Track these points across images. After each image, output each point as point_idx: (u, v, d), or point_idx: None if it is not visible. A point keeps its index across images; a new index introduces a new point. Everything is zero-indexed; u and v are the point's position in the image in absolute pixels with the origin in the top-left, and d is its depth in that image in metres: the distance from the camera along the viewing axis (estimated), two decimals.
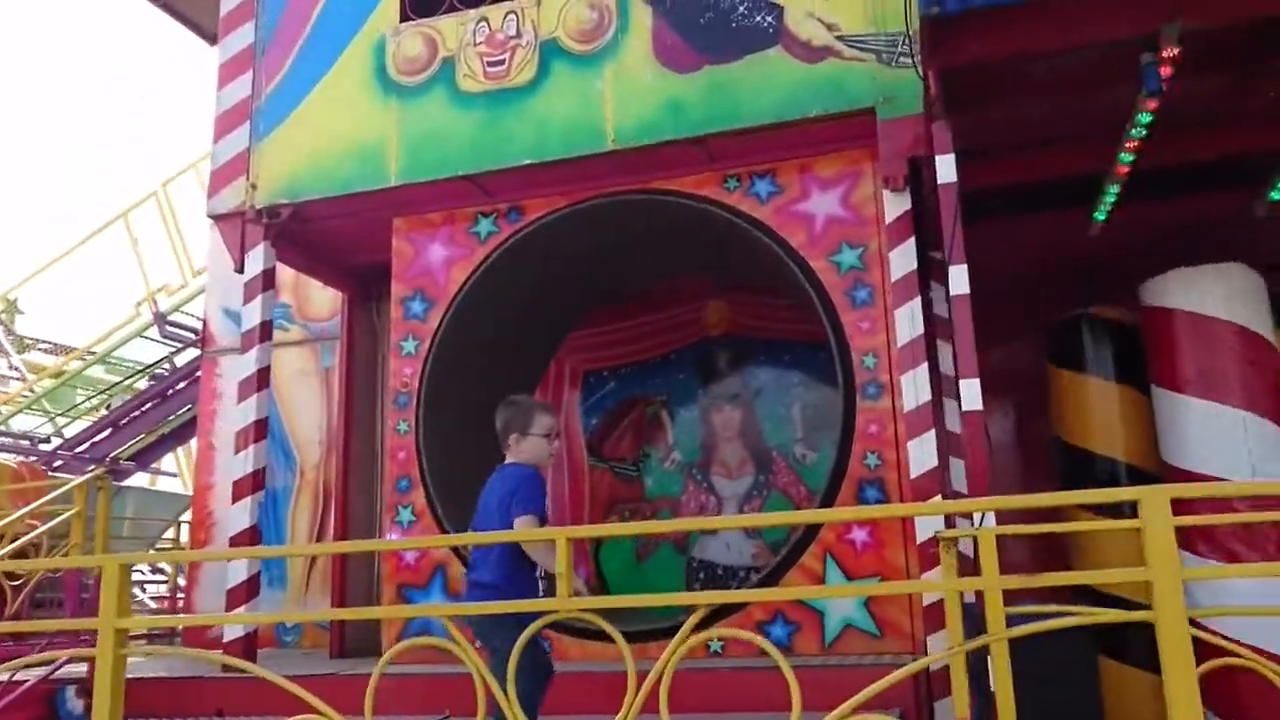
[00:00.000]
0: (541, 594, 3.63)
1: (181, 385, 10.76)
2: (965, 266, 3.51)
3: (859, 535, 5.03)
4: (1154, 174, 4.82)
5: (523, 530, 3.52)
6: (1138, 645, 5.19)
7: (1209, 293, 4.81)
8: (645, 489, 7.78)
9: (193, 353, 10.55)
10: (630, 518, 7.72)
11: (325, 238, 6.66)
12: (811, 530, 5.11)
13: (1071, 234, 5.45)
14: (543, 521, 3.63)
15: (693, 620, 2.54)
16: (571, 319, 7.36)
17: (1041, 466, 6.57)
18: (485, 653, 3.33)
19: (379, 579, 6.86)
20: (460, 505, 5.83)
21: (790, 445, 7.55)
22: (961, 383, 3.43)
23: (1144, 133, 4.18)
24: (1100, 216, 5.08)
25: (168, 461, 13.49)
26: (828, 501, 5.11)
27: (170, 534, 11.20)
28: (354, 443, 7.11)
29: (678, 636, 2.57)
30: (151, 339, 11.21)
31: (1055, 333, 5.83)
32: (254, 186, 6.20)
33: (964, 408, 3.42)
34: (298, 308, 9.04)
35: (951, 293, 3.52)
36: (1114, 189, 4.85)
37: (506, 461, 3.79)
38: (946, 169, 3.65)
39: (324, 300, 8.93)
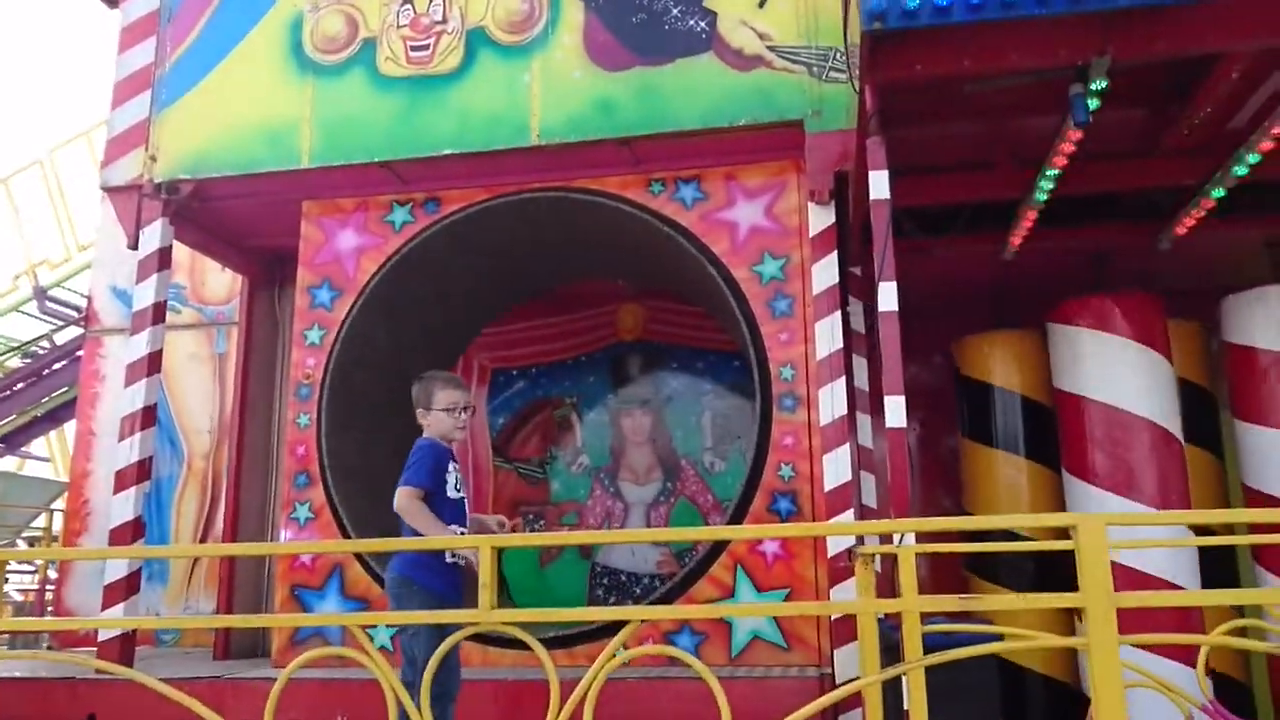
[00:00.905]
0: (457, 577, 3.57)
1: (59, 365, 10.16)
2: (895, 283, 3.51)
3: (770, 547, 5.01)
4: (1068, 203, 4.95)
5: (413, 507, 3.51)
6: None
7: None
8: (551, 492, 7.66)
9: (74, 331, 9.97)
10: (535, 521, 7.59)
11: (228, 218, 6.33)
12: (722, 541, 5.07)
13: (984, 258, 5.55)
14: (428, 495, 3.58)
15: (623, 635, 2.44)
16: (483, 315, 7.18)
17: (947, 477, 6.72)
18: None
19: (270, 577, 6.56)
20: (362, 503, 5.62)
21: (699, 453, 7.54)
22: (887, 399, 3.42)
23: (1064, 162, 4.26)
24: (1013, 242, 5.18)
25: (39, 445, 12.74)
26: (740, 511, 5.08)
27: (41, 522, 10.55)
28: (248, 434, 6.79)
29: (605, 652, 2.47)
30: (29, 314, 10.55)
31: (963, 350, 5.98)
32: (153, 159, 5.85)
33: (888, 424, 3.41)
34: (192, 289, 8.61)
35: (881, 308, 3.51)
36: (1030, 215, 4.95)
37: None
38: (880, 185, 3.64)
39: (221, 283, 8.53)
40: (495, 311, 7.27)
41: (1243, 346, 5.42)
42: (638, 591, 7.39)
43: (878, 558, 3.76)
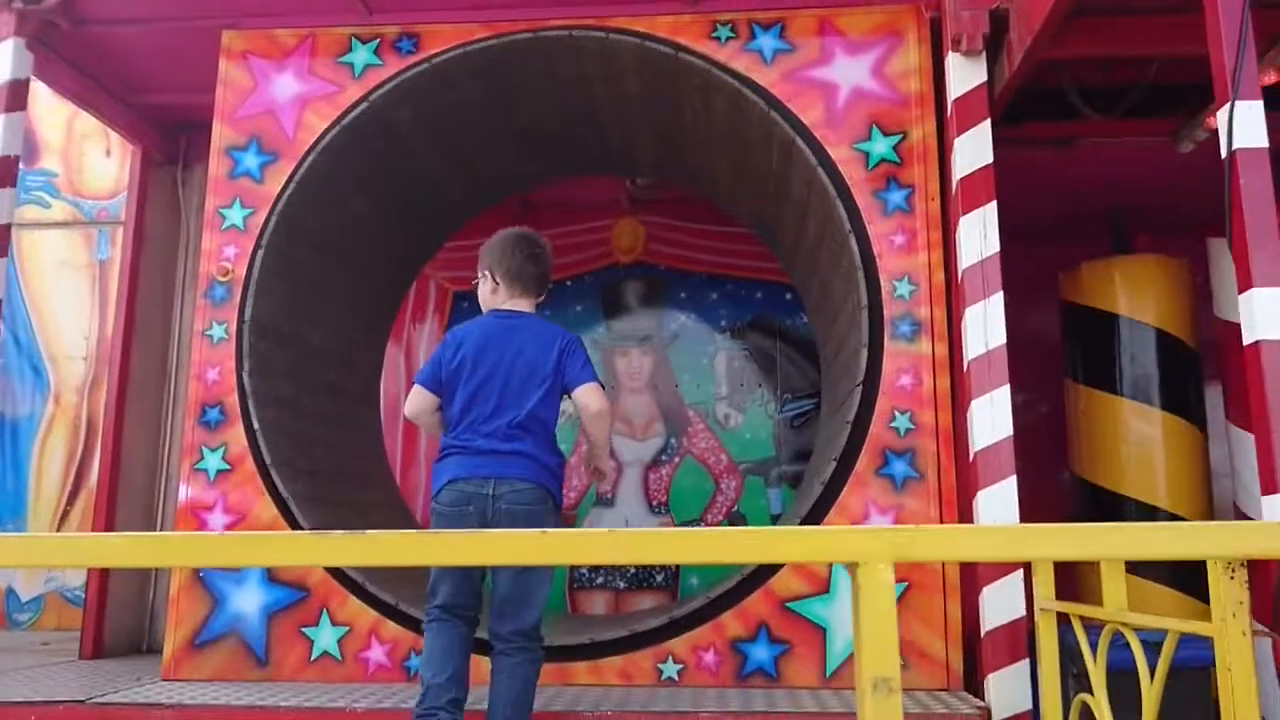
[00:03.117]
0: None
1: None
2: (1261, 104, 2.14)
3: (879, 522, 3.64)
4: None
5: (607, 408, 3.00)
6: None
7: None
8: None
9: None
10: None
11: (113, 54, 4.61)
12: (815, 516, 3.67)
13: (1142, 156, 4.26)
14: None
15: None
16: (451, 220, 5.57)
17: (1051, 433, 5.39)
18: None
19: None
20: (302, 449, 4.06)
21: (711, 403, 6.13)
22: (1255, 295, 2.06)
23: None
24: (1210, 121, 3.88)
25: None
26: (836, 479, 3.68)
27: None
28: (136, 357, 5.08)
29: None
30: None
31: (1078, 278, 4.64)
32: None
33: (1258, 335, 2.06)
34: (66, 178, 6.78)
35: (1240, 144, 2.13)
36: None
37: (525, 311, 3.09)
38: None
39: (106, 172, 6.73)
40: (462, 216, 5.67)
41: None
42: (631, 573, 5.97)
43: None
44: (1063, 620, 3.00)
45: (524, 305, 3.09)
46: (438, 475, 2.95)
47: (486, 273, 3.14)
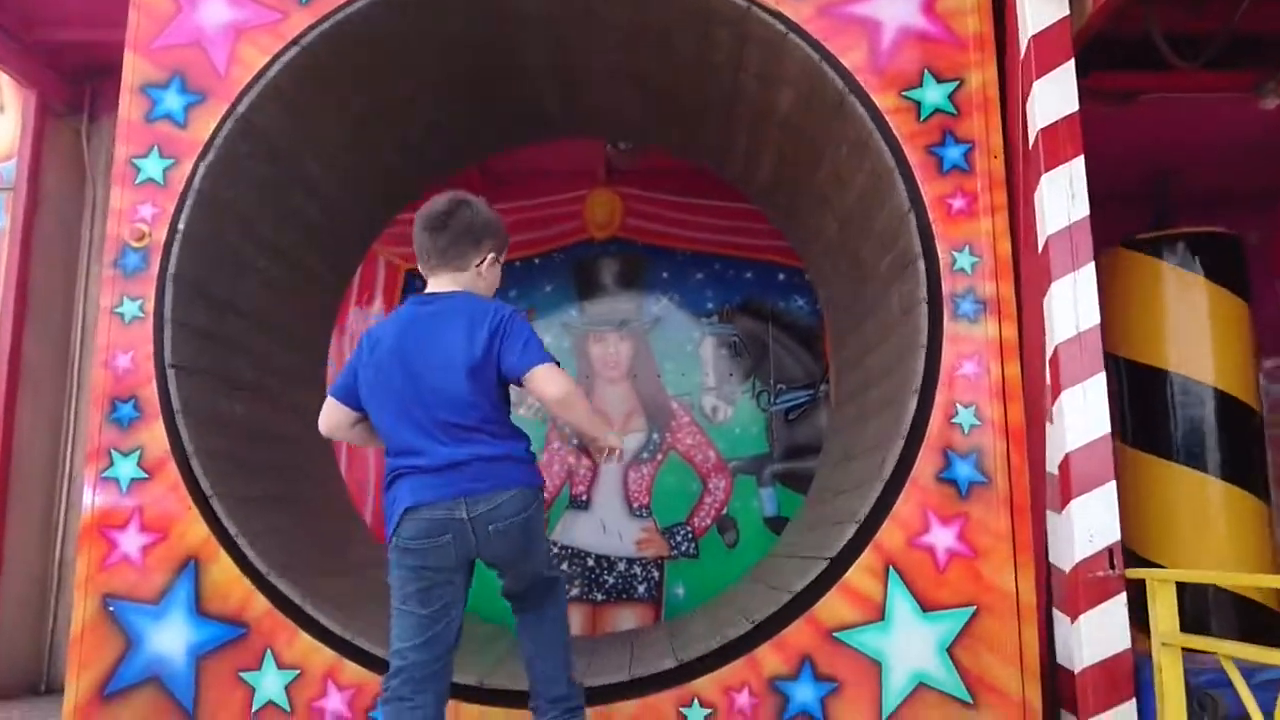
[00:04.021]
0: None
1: None
2: None
3: (943, 538, 3.07)
4: None
5: (581, 395, 2.54)
6: None
7: None
8: None
9: None
10: None
11: None
12: (865, 529, 3.08)
13: (1220, 111, 3.77)
14: None
15: None
16: (402, 188, 4.84)
17: None
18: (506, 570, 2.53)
19: (61, 576, 4.14)
20: (237, 452, 3.35)
21: (697, 394, 5.53)
22: None
23: None
24: None
25: None
26: (892, 487, 3.09)
27: None
28: (30, 341, 4.26)
29: None
30: None
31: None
32: None
33: None
34: None
35: None
36: None
37: (448, 290, 2.54)
38: None
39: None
40: (419, 185, 4.95)
41: None
42: (610, 583, 5.35)
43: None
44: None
45: (444, 284, 2.54)
46: (392, 505, 2.42)
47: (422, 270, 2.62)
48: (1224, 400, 3.96)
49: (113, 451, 3.20)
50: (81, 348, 4.42)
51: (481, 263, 2.54)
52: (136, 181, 3.36)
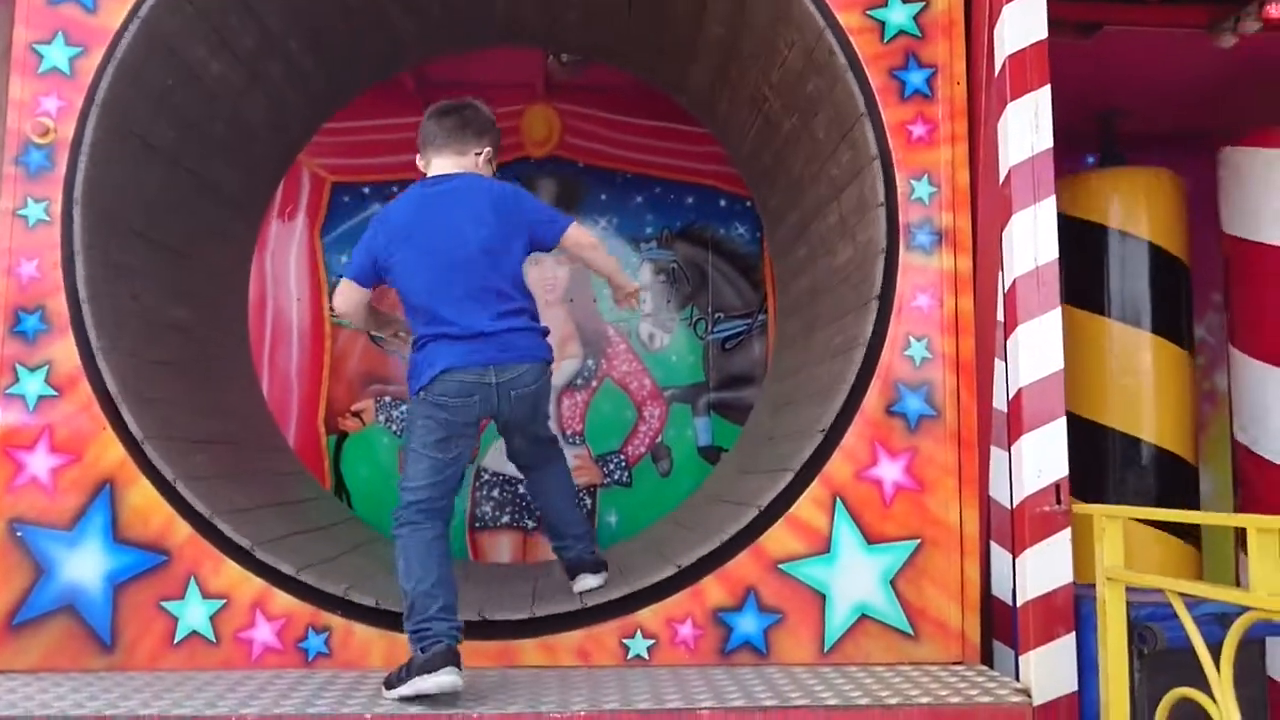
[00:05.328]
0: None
1: None
2: None
3: (889, 472, 3.05)
4: None
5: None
6: None
7: None
8: None
9: None
10: (392, 406, 5.23)
11: None
12: (814, 461, 3.04)
13: (1175, 49, 3.74)
14: None
15: None
16: (325, 97, 4.55)
17: None
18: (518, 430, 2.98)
19: None
20: (152, 366, 3.15)
21: (634, 322, 5.42)
22: None
23: None
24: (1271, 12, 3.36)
25: None
26: (842, 418, 3.05)
27: None
28: None
29: None
30: None
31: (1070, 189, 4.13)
32: None
33: None
34: None
35: None
36: None
37: (455, 172, 2.86)
38: None
39: None
40: (346, 94, 4.67)
41: None
42: (539, 509, 5.27)
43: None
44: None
45: (448, 167, 2.88)
46: (424, 364, 2.75)
47: (420, 163, 2.97)
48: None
49: (17, 366, 2.96)
50: None
51: (480, 154, 2.89)
52: (39, 70, 3.06)
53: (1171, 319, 3.96)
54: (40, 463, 2.92)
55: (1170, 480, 3.83)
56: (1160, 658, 2.53)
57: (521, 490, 5.26)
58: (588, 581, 3.04)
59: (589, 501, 5.26)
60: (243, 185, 4.11)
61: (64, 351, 2.97)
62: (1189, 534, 3.78)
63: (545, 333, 2.90)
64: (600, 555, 3.18)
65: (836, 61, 3.12)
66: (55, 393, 2.96)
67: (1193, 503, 3.90)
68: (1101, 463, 3.85)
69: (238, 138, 3.86)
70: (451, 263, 2.72)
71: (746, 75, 3.74)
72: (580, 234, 2.94)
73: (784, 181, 3.98)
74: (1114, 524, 2.55)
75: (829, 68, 3.16)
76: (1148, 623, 2.55)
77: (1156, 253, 3.98)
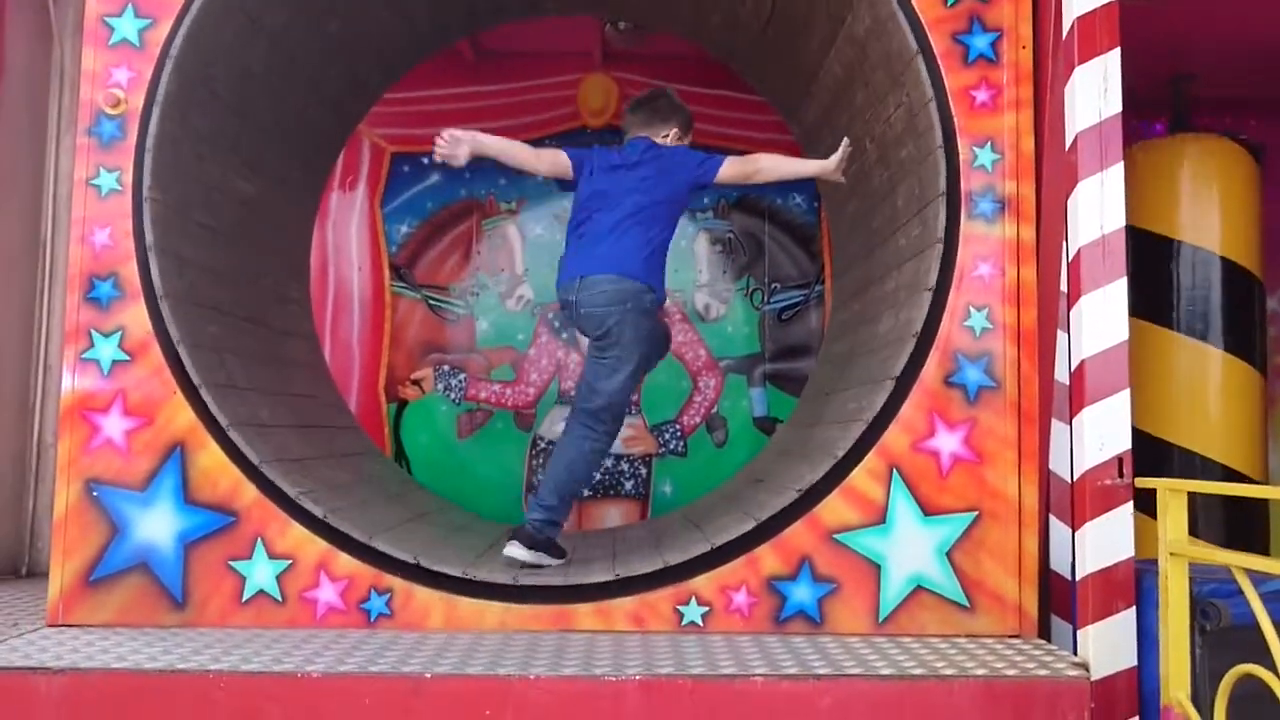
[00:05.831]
0: None
1: None
2: None
3: (947, 443, 3.02)
4: None
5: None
6: None
7: None
8: (477, 333, 5.36)
9: None
10: (452, 374, 5.30)
11: None
12: (870, 432, 3.03)
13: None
14: None
15: None
16: (386, 68, 4.59)
17: None
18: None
19: (40, 457, 4.04)
20: (220, 332, 3.23)
21: (690, 291, 5.41)
22: None
23: None
24: None
25: None
26: (900, 388, 3.03)
27: None
28: None
29: None
30: None
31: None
32: None
33: None
34: None
35: None
36: None
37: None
38: None
39: None
40: (401, 64, 4.70)
41: None
42: (596, 478, 5.32)
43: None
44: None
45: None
46: None
47: None
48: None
49: (92, 332, 3.06)
50: (54, 223, 4.22)
51: (667, 136, 3.40)
52: (110, 42, 3.14)
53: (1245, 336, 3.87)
54: (115, 425, 3.03)
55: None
56: (1223, 634, 2.48)
57: None
58: (514, 550, 3.06)
59: (644, 471, 5.30)
60: (314, 147, 4.17)
61: (136, 317, 3.06)
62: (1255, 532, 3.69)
63: (652, 269, 3.29)
64: (547, 534, 3.13)
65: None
66: (128, 357, 3.05)
67: (1261, 525, 3.81)
68: None
69: (312, 101, 3.91)
70: (603, 202, 3.30)
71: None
72: (729, 162, 3.30)
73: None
74: (1177, 498, 2.50)
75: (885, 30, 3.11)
76: (1211, 599, 2.51)
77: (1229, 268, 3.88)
